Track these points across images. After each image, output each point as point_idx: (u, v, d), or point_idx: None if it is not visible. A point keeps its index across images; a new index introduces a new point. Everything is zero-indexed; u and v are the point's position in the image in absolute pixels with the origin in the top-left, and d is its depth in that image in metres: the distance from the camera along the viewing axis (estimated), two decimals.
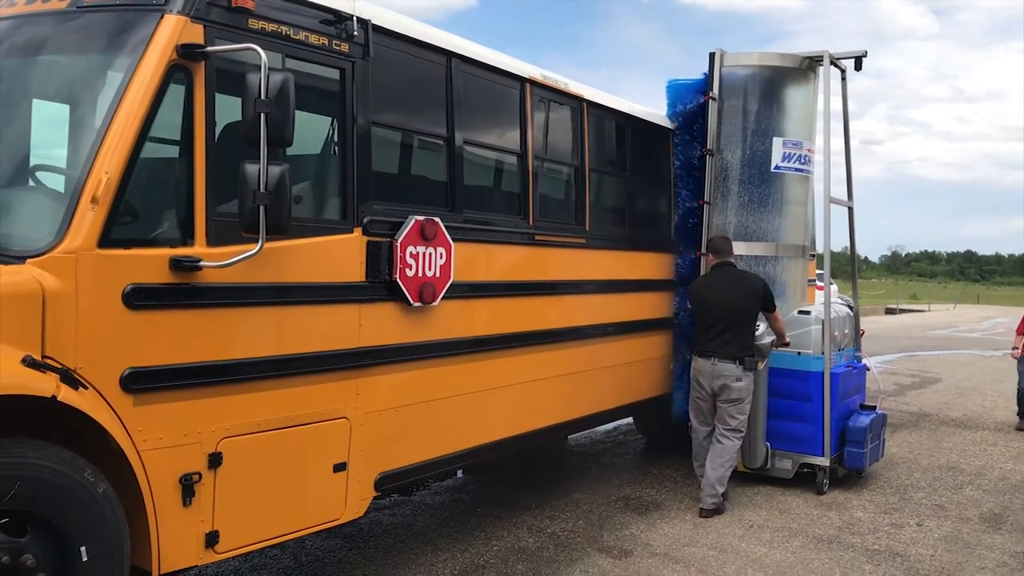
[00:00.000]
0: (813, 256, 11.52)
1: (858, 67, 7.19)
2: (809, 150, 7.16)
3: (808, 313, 6.80)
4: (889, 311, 38.13)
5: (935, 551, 5.41)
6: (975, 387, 13.23)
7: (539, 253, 5.64)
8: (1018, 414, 9.73)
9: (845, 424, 6.76)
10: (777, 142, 6.98)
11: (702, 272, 6.98)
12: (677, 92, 7.40)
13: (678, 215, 7.32)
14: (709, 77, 7.16)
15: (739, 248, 6.79)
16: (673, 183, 7.37)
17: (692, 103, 7.30)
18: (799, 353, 6.65)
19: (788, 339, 6.52)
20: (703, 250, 7.06)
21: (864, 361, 7.67)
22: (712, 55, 7.17)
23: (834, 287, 29.77)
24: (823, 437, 6.54)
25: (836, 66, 7.21)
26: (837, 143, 7.15)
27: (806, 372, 6.63)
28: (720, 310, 6.12)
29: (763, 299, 6.20)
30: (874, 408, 7.11)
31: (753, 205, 7.02)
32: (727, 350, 6.04)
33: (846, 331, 7.22)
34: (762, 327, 6.32)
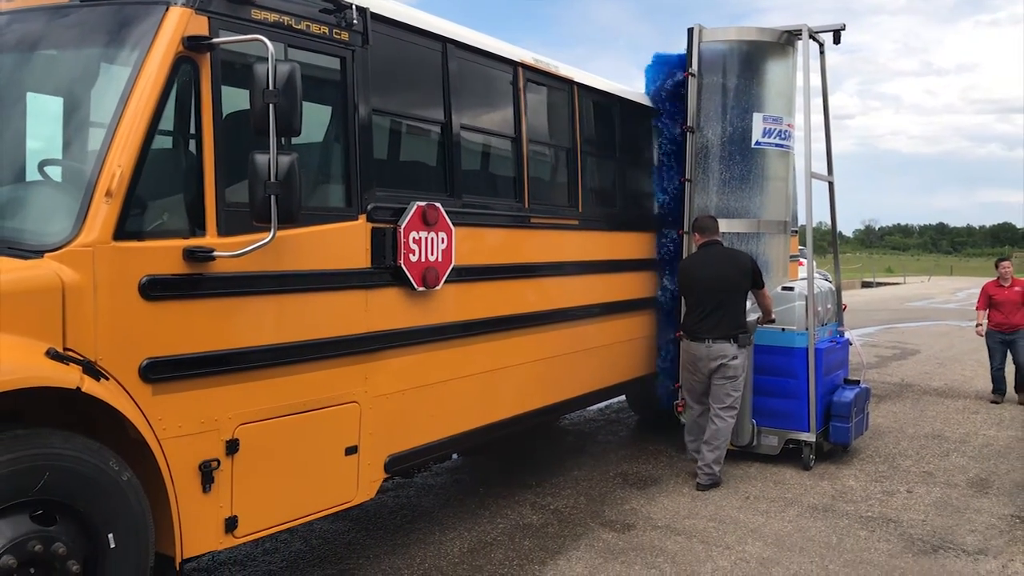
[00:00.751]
0: (795, 232, 11.71)
1: (836, 40, 7.14)
2: (789, 125, 7.13)
3: (792, 289, 6.82)
4: (866, 284, 38.56)
5: (926, 516, 5.58)
6: (954, 357, 13.51)
7: (535, 235, 5.72)
8: (993, 391, 9.64)
9: (830, 399, 6.81)
10: (757, 118, 6.95)
11: (685, 251, 7.07)
12: (657, 69, 7.37)
13: (660, 193, 7.34)
14: (688, 53, 7.11)
15: (721, 225, 6.75)
16: (656, 162, 7.40)
17: (672, 80, 7.28)
18: (783, 329, 6.68)
19: (774, 316, 6.54)
20: (685, 228, 7.11)
21: (847, 335, 7.72)
22: (690, 31, 7.13)
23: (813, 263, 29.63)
24: (808, 413, 6.58)
25: (815, 40, 7.16)
26: (817, 118, 7.20)
27: (790, 348, 6.66)
28: (711, 290, 6.11)
29: (752, 276, 6.21)
30: (858, 382, 7.17)
31: (734, 182, 7.00)
32: (720, 330, 6.05)
33: (828, 306, 7.28)
34: (748, 304, 6.33)
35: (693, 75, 7.07)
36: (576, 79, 6.24)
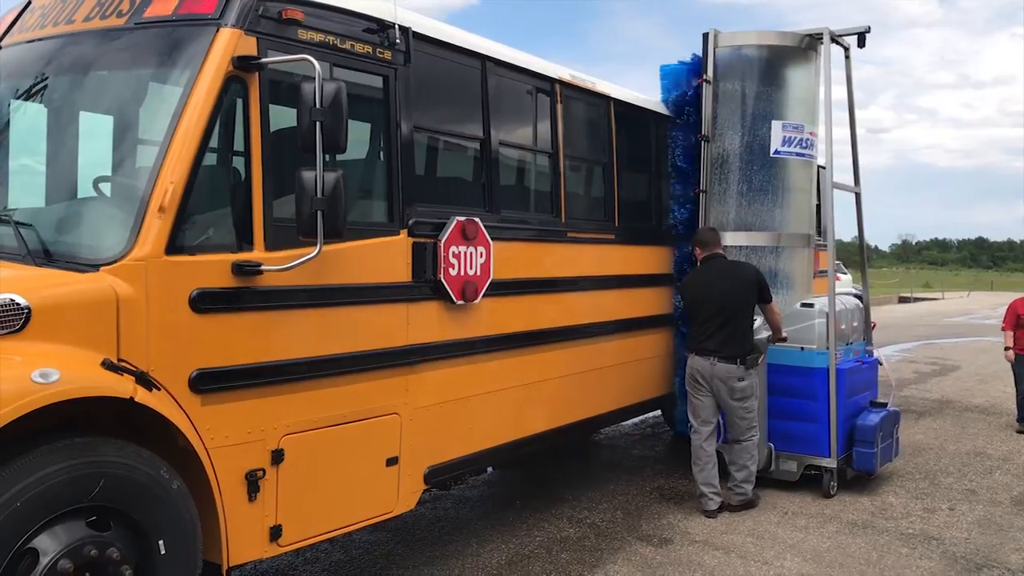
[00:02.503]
0: (823, 245, 11.59)
1: (861, 44, 6.83)
2: (811, 133, 6.78)
3: (811, 306, 6.43)
4: (903, 299, 38.03)
5: (969, 534, 5.51)
6: (995, 374, 13.26)
7: (571, 249, 5.76)
8: (1018, 419, 8.77)
9: (853, 423, 6.38)
10: (776, 125, 6.63)
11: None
12: (671, 76, 7.09)
13: (676, 205, 6.99)
14: (703, 59, 6.81)
15: (739, 239, 6.59)
16: (670, 172, 7.07)
17: (686, 87, 6.98)
18: (802, 348, 6.32)
19: (785, 333, 6.14)
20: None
21: (875, 355, 7.28)
22: (705, 35, 6.83)
23: (848, 277, 29.56)
24: (829, 437, 6.20)
25: (838, 43, 6.83)
26: (845, 131, 6.89)
27: (810, 368, 6.28)
28: (714, 305, 5.77)
29: (758, 289, 5.84)
30: (885, 405, 6.75)
31: (753, 193, 6.68)
32: (727, 349, 5.72)
33: (855, 324, 6.88)
34: (758, 321, 5.96)
35: (708, 82, 6.75)
36: (612, 94, 6.29)
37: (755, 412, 5.91)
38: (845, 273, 29.76)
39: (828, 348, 6.27)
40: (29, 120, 4.13)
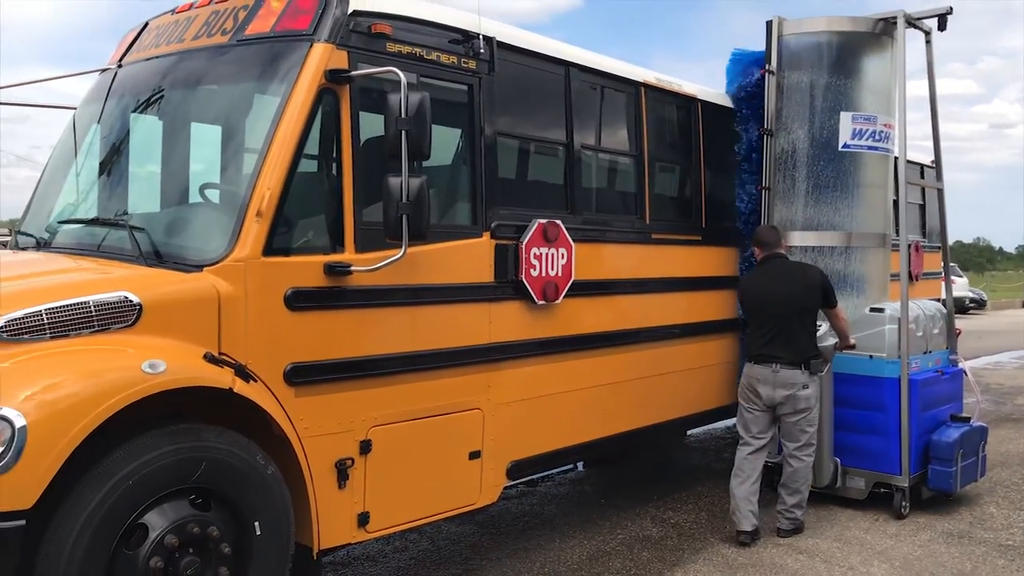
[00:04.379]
0: (939, 247, 11.13)
1: (942, 27, 6.37)
2: (886, 125, 6.37)
3: (882, 311, 5.98)
4: None
5: None
6: None
7: (656, 251, 5.80)
8: None
9: (929, 438, 5.94)
10: (845, 117, 6.25)
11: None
12: (738, 66, 6.75)
13: (742, 204, 6.65)
14: (767, 49, 6.47)
15: (808, 239, 6.28)
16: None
17: (753, 77, 6.63)
18: (871, 356, 5.90)
19: (853, 340, 5.75)
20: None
21: (960, 365, 6.71)
22: (769, 24, 6.47)
23: (964, 280, 28.27)
24: (900, 453, 5.78)
25: (916, 27, 6.39)
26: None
27: (878, 378, 5.87)
28: (775, 308, 5.40)
29: (823, 293, 5.48)
30: (968, 420, 6.21)
31: (821, 190, 6.32)
32: (787, 354, 5.31)
33: (935, 331, 6.37)
34: (824, 327, 5.64)
35: (772, 72, 6.43)
36: (698, 96, 6.29)
37: (815, 429, 5.47)
38: (961, 276, 28.55)
39: (900, 356, 5.86)
40: (146, 131, 4.48)
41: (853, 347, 5.77)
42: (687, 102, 6.21)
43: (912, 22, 6.35)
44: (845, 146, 6.28)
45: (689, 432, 7.94)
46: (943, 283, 13.19)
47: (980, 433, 6.26)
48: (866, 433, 5.88)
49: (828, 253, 6.32)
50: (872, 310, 6.06)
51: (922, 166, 10.46)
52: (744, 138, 6.63)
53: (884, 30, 6.35)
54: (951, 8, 6.29)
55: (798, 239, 6.31)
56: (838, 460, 5.95)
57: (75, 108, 4.91)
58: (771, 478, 5.77)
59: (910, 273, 9.38)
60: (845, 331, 5.69)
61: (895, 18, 6.22)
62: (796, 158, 6.41)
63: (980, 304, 29.88)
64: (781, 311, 5.39)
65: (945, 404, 6.29)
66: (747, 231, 6.47)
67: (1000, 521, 5.78)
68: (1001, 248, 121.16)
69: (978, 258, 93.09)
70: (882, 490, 5.87)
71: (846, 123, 6.28)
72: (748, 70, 6.65)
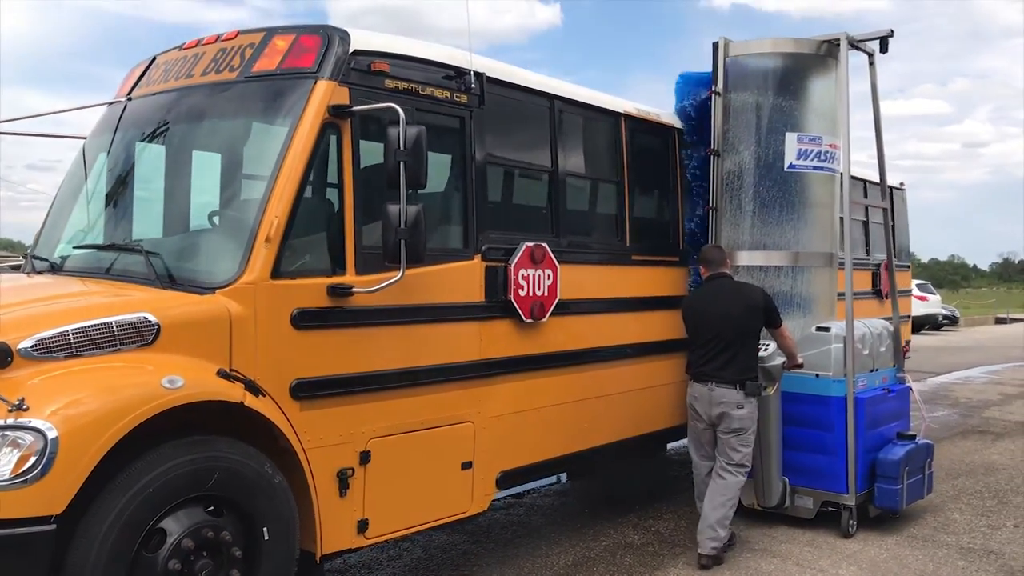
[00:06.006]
0: (908, 266, 11.54)
1: (884, 49, 6.46)
2: (832, 145, 6.40)
3: (828, 330, 5.97)
4: (999, 320, 36.73)
5: None
6: None
7: (637, 272, 6.11)
8: None
9: (875, 456, 5.93)
10: (791, 137, 6.27)
11: None
12: (686, 86, 6.73)
13: (689, 223, 6.65)
14: (714, 69, 6.50)
15: (755, 258, 6.32)
16: (684, 189, 6.69)
17: (699, 98, 6.64)
18: (817, 375, 5.88)
19: (801, 359, 5.76)
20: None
21: (908, 383, 6.70)
22: (715, 45, 6.52)
23: (937, 297, 28.68)
24: (847, 472, 5.77)
25: (859, 49, 6.46)
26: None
27: (825, 397, 5.86)
28: (715, 328, 5.40)
29: (765, 313, 5.48)
30: (914, 438, 6.21)
31: (767, 210, 6.32)
32: (725, 373, 5.32)
33: (881, 349, 6.34)
34: (771, 347, 5.67)
35: (718, 94, 6.47)
36: (676, 125, 6.63)
37: (749, 450, 5.43)
38: (934, 293, 29.17)
39: (845, 375, 5.86)
40: (156, 161, 4.74)
41: (801, 366, 5.79)
42: (664, 131, 6.54)
43: (855, 44, 6.43)
44: (791, 166, 6.32)
45: (669, 445, 8.23)
46: (913, 300, 13.54)
47: (926, 451, 6.28)
48: (813, 452, 5.88)
49: (775, 273, 6.35)
50: (818, 329, 6.07)
51: (891, 188, 10.89)
52: (692, 159, 6.66)
53: (828, 52, 6.42)
54: (892, 31, 6.42)
55: (745, 259, 6.36)
56: (787, 479, 5.93)
57: (84, 138, 5.17)
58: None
59: (879, 291, 9.81)
60: (792, 350, 5.71)
61: (839, 40, 6.32)
62: (743, 178, 6.43)
63: (953, 320, 30.53)
64: (721, 331, 5.38)
65: (892, 422, 6.29)
66: (695, 252, 6.41)
67: (963, 526, 6.10)
68: (975, 266, 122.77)
69: (953, 276, 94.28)
70: (830, 509, 5.88)
71: (791, 144, 6.33)
72: (695, 91, 6.68)
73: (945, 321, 29.55)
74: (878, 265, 9.81)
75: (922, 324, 26.81)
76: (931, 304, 27.72)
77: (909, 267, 11.79)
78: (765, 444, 5.73)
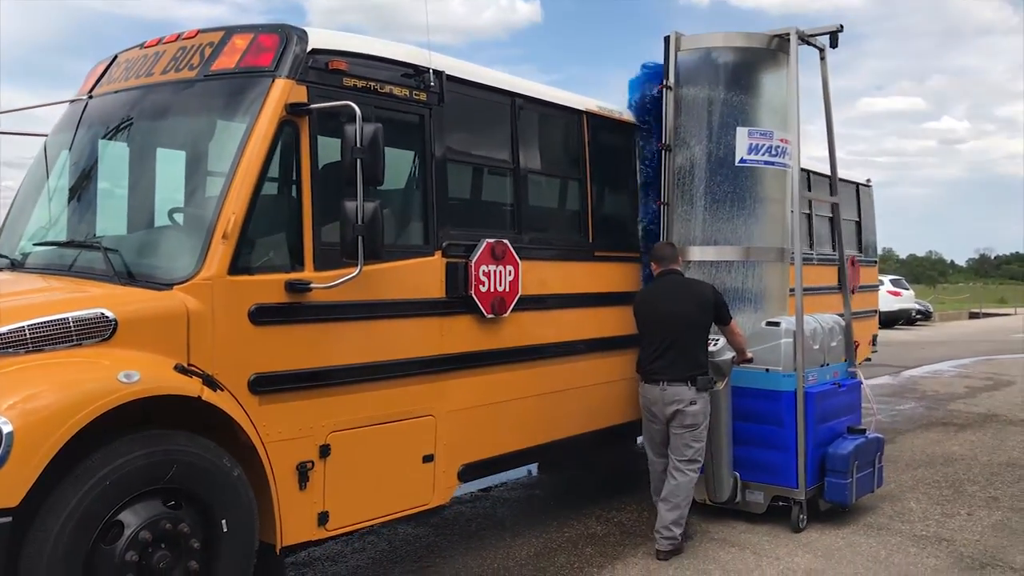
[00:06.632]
0: (869, 262, 11.69)
1: (834, 44, 6.49)
2: (783, 140, 6.36)
3: (777, 325, 5.99)
4: (973, 315, 37.21)
5: (981, 536, 5.75)
6: None
7: (599, 267, 6.20)
8: None
9: (825, 451, 5.97)
10: (742, 132, 6.25)
11: None
12: (638, 80, 6.71)
13: (643, 219, 6.64)
14: (665, 63, 6.47)
15: (707, 253, 6.31)
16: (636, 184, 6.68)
17: (652, 92, 6.60)
18: (767, 370, 5.91)
19: (750, 354, 5.80)
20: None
21: (859, 378, 6.75)
22: (667, 39, 6.47)
23: (911, 292, 29.00)
24: (797, 466, 5.80)
25: (809, 44, 6.49)
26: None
27: (775, 392, 5.87)
28: (665, 324, 5.43)
29: (714, 308, 5.51)
30: (864, 432, 6.23)
31: (719, 205, 6.31)
32: (675, 370, 5.35)
33: (832, 344, 6.39)
34: (721, 342, 5.70)
35: (670, 88, 6.40)
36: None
37: (702, 445, 5.47)
38: (907, 288, 29.52)
39: (795, 370, 5.87)
40: (116, 158, 4.78)
41: (750, 361, 5.82)
42: (627, 128, 6.63)
43: (805, 39, 6.42)
44: (742, 161, 6.30)
45: (639, 439, 8.33)
46: (886, 295, 13.70)
47: (876, 444, 6.31)
48: (764, 447, 5.89)
49: (727, 268, 6.35)
50: (768, 324, 6.08)
51: (857, 185, 11.07)
52: (644, 153, 6.63)
53: (779, 46, 6.41)
54: (841, 26, 6.42)
55: (697, 254, 6.36)
56: (737, 475, 5.95)
57: (46, 135, 5.19)
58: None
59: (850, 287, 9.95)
60: (741, 345, 5.73)
61: (789, 35, 6.32)
62: (694, 173, 6.41)
63: (926, 315, 30.91)
64: (670, 327, 5.41)
65: (843, 416, 6.32)
66: (647, 247, 6.45)
67: (918, 515, 6.25)
68: (953, 261, 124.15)
69: (930, 271, 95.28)
70: (781, 503, 5.90)
71: (742, 138, 6.29)
72: (645, 85, 6.65)
73: (918, 316, 29.92)
74: (873, 261, 9.97)
75: (896, 319, 27.16)
76: (904, 299, 28.06)
77: (876, 263, 11.95)
78: (716, 439, 5.73)
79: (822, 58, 6.67)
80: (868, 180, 11.56)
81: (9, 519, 3.17)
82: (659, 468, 5.63)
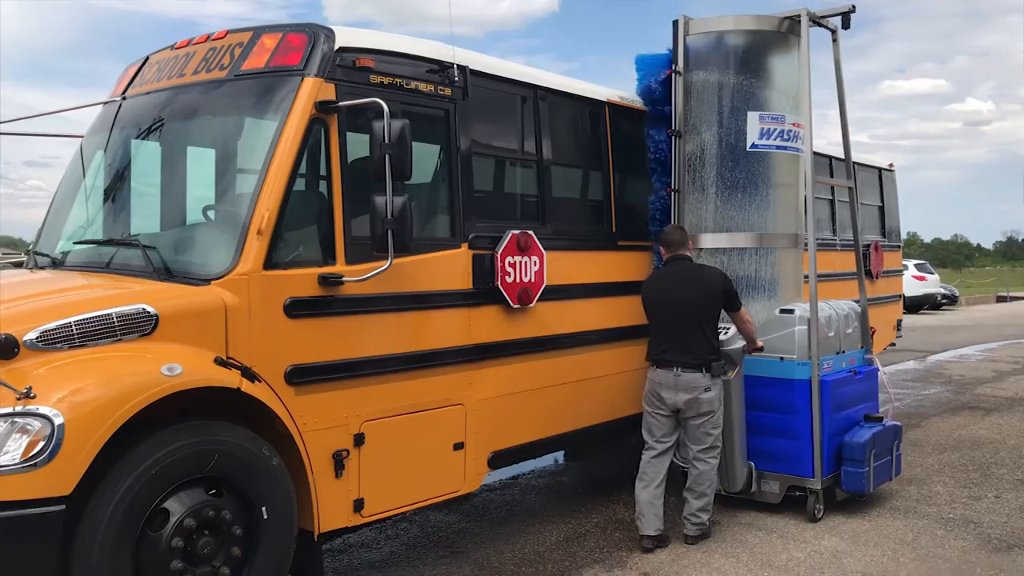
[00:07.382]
0: (899, 247, 11.65)
1: (846, 25, 6.32)
2: (795, 124, 6.27)
3: (791, 312, 5.90)
4: (1000, 299, 36.85)
5: (1008, 518, 5.78)
6: None
7: (622, 257, 6.26)
8: None
9: (842, 439, 5.89)
10: (753, 117, 6.15)
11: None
12: (646, 66, 6.57)
13: (654, 206, 6.52)
14: (674, 48, 6.37)
15: (719, 240, 6.22)
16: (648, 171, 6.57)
17: (661, 78, 6.48)
18: (781, 359, 5.83)
19: (760, 343, 5.71)
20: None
21: (876, 365, 6.61)
22: (675, 23, 6.37)
23: (936, 277, 28.74)
24: (812, 455, 5.73)
25: (821, 26, 6.33)
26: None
27: (789, 380, 5.79)
28: (675, 311, 5.35)
29: (724, 296, 5.42)
30: (881, 419, 6.14)
31: (731, 190, 6.21)
32: (688, 357, 5.26)
33: (847, 331, 6.28)
34: (731, 330, 5.61)
35: (679, 73, 6.32)
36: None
37: (719, 431, 5.42)
38: (932, 273, 29.28)
39: (810, 358, 5.78)
40: (151, 158, 4.91)
41: (761, 350, 5.73)
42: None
43: (816, 20, 6.26)
44: (753, 146, 6.18)
45: None
46: (911, 280, 13.65)
47: (894, 432, 6.20)
48: (778, 436, 5.81)
49: (739, 254, 6.24)
50: (782, 311, 5.99)
51: (880, 169, 11.03)
52: (654, 140, 6.50)
53: (790, 29, 6.27)
54: (854, 6, 6.24)
55: (709, 241, 6.26)
56: (752, 464, 5.90)
57: (81, 136, 5.33)
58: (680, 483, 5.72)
59: (870, 271, 9.94)
60: (751, 334, 5.64)
61: (800, 16, 6.17)
62: (705, 159, 6.29)
63: (952, 300, 30.65)
64: (681, 314, 5.33)
65: (859, 404, 6.22)
66: (657, 234, 6.24)
67: (944, 498, 6.28)
68: (979, 244, 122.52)
69: (956, 255, 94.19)
70: (797, 493, 5.84)
71: (754, 123, 6.18)
72: (654, 71, 6.52)
73: (944, 300, 29.67)
74: (867, 245, 9.93)
75: (921, 304, 26.97)
76: (929, 284, 27.85)
77: (900, 247, 11.91)
78: (729, 429, 5.65)
79: (834, 40, 6.53)
80: (891, 165, 11.52)
81: (63, 507, 3.30)
82: (653, 453, 5.44)
